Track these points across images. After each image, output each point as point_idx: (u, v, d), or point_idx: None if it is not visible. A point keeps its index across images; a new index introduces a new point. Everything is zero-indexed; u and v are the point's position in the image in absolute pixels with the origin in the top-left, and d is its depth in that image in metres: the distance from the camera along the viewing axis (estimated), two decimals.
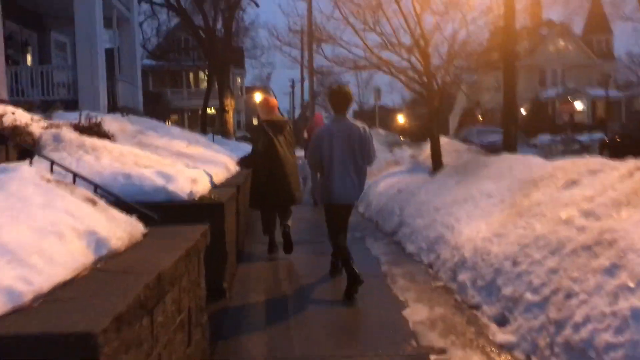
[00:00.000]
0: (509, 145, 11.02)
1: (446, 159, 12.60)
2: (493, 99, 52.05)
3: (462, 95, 55.19)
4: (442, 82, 11.87)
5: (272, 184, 7.41)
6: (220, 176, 7.43)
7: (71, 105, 14.99)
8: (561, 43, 55.38)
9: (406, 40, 12.03)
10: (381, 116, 75.21)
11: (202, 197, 5.53)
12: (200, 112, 33.48)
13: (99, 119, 7.91)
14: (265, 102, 7.84)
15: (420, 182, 11.10)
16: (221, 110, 31.10)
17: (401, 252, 8.14)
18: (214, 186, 6.50)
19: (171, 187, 5.21)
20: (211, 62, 31.74)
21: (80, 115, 7.88)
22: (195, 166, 6.94)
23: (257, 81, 72.23)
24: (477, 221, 7.01)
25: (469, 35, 11.64)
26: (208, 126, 48.40)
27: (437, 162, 11.99)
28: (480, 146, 16.51)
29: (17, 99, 15.35)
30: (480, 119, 50.23)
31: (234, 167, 8.77)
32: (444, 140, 12.80)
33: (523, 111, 51.97)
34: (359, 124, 6.15)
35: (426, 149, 14.03)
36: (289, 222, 7.69)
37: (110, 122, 8.36)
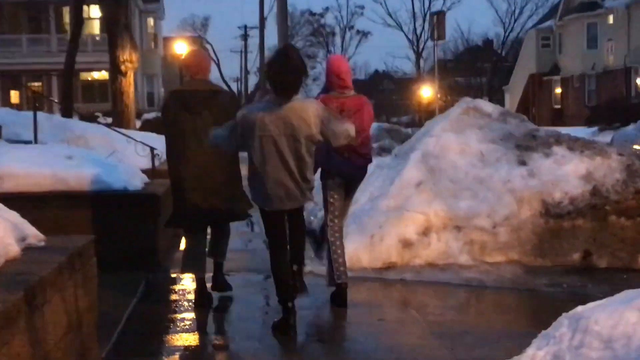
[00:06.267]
0: None
1: None
2: (579, 60, 36.07)
3: (528, 55, 43.29)
4: None
5: (187, 191, 5.18)
6: None
7: None
8: None
9: None
10: (386, 92, 51.81)
11: None
12: (71, 73, 18.16)
13: None
14: (191, 59, 5.49)
15: None
16: (114, 71, 16.64)
17: None
18: None
19: None
20: None
21: None
22: None
23: (185, 29, 51.06)
24: None
25: None
26: (83, 102, 29.46)
27: None
28: None
29: None
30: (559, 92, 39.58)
31: None
32: None
33: None
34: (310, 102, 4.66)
35: None
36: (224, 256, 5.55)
37: None
